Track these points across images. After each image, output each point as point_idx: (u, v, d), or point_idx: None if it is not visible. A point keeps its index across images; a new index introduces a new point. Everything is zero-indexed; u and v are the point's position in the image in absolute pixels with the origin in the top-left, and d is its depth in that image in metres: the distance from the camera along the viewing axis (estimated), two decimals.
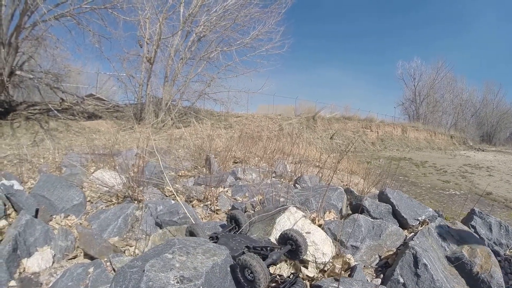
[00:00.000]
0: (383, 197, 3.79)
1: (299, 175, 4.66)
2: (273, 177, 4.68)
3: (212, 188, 4.05)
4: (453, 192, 12.48)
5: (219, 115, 17.62)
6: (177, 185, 4.40)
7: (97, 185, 4.39)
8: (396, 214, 3.58)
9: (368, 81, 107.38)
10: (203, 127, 14.46)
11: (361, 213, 3.19)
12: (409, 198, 3.78)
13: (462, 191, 12.52)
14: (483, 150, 38.41)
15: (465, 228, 3.32)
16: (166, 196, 4.21)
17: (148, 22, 15.24)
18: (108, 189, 4.21)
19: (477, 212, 3.67)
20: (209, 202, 3.97)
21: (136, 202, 3.89)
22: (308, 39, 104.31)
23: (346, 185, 5.62)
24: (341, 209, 3.64)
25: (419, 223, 3.43)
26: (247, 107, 20.16)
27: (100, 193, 4.25)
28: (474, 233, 3.31)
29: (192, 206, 3.84)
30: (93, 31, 14.16)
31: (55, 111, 13.41)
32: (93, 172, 4.96)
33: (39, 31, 13.02)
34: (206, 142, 8.29)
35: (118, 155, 6.37)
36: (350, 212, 3.76)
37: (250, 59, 18.51)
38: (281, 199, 3.48)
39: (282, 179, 4.70)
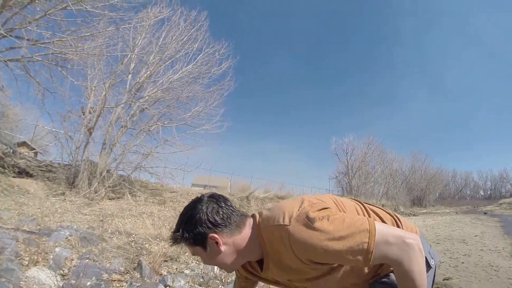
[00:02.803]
0: None
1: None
2: (199, 285, 4.93)
3: None
4: None
5: (154, 188, 17.55)
6: None
7: None
8: None
9: (304, 155, 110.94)
10: (137, 202, 14.37)
11: None
12: None
13: None
14: (414, 215, 40.22)
15: None
16: None
17: (95, 90, 15.40)
18: None
19: None
20: None
21: None
22: (246, 111, 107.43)
23: None
24: None
25: None
26: (183, 183, 20.37)
27: None
28: None
29: None
30: (39, 82, 13.89)
31: None
32: (28, 267, 4.81)
33: None
34: (138, 227, 8.37)
35: (49, 235, 6.28)
36: None
37: (189, 136, 18.94)
38: None
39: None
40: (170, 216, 13.22)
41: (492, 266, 11.71)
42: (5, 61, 12.51)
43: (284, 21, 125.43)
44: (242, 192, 21.38)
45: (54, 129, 15.88)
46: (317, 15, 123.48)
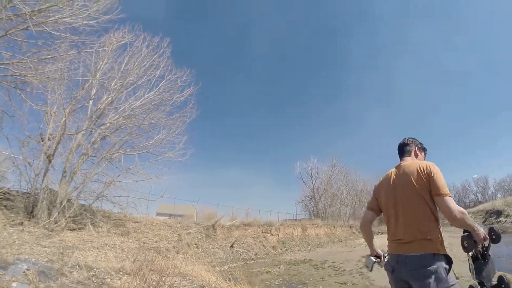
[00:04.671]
0: None
1: None
2: None
3: None
4: None
5: (117, 218, 16.92)
6: None
7: None
8: None
9: (269, 180, 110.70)
10: (99, 233, 13.91)
11: None
12: None
13: None
14: (382, 233, 40.64)
15: None
16: None
17: (54, 116, 14.95)
18: None
19: None
20: None
21: None
22: (210, 137, 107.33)
23: None
24: None
25: None
26: (147, 212, 19.89)
27: None
28: None
29: None
30: None
31: None
32: None
33: None
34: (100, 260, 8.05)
35: (6, 269, 5.94)
36: None
37: (152, 164, 18.61)
38: None
39: None
40: (134, 248, 12.86)
41: (463, 276, 12.06)
42: None
43: (245, 47, 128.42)
44: (207, 221, 21.11)
45: (12, 155, 15.18)
46: (277, 41, 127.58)
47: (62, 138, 15.09)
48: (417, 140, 3.30)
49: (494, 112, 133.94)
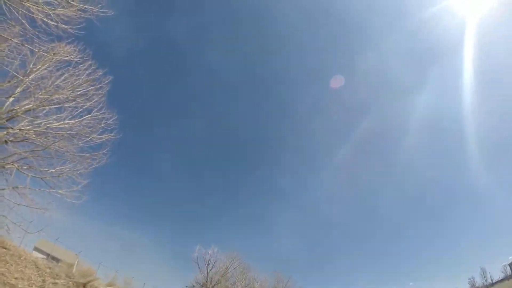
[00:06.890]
0: None
1: None
2: None
3: None
4: None
5: None
6: None
7: None
8: None
9: (168, 251, 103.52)
10: None
11: None
12: None
13: None
14: None
15: None
16: None
17: None
18: None
19: None
20: None
21: None
22: (122, 191, 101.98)
23: None
24: None
25: None
26: (23, 242, 17.66)
27: None
28: None
29: None
30: None
31: None
32: None
33: None
34: None
35: None
36: None
37: (42, 194, 17.35)
38: None
39: None
40: None
41: None
42: None
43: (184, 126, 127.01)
44: (82, 277, 18.69)
45: None
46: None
47: None
48: None
49: None
